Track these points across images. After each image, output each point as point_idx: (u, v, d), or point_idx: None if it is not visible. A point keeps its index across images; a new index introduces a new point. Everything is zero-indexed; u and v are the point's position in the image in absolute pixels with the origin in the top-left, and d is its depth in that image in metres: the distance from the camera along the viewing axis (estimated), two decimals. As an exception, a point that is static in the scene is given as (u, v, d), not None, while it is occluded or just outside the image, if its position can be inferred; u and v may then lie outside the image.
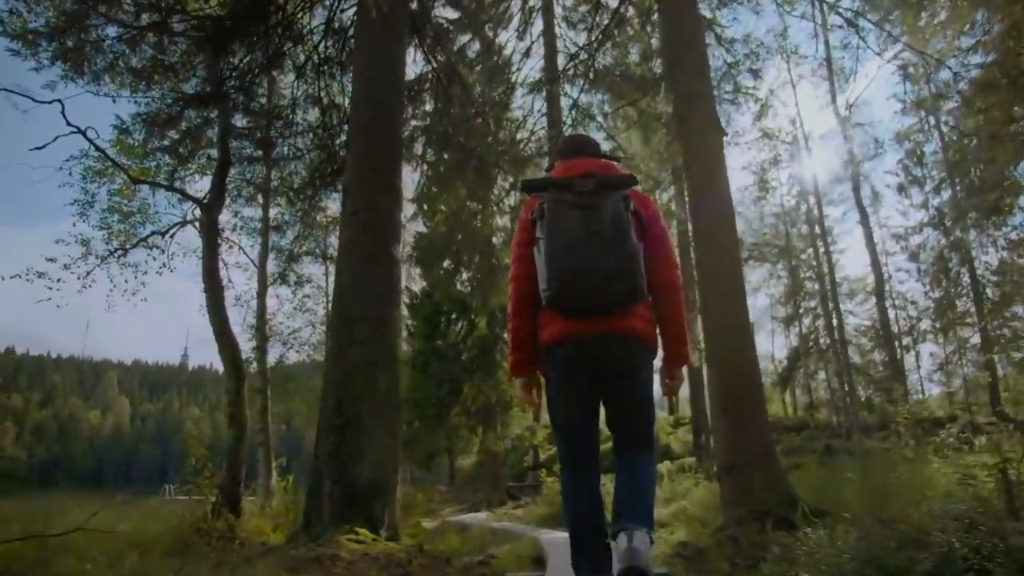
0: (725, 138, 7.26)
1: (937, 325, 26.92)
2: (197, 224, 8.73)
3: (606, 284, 2.06)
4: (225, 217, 11.01)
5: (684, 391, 32.19)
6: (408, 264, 12.65)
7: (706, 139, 6.72)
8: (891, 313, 28.27)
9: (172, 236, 9.43)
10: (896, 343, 28.44)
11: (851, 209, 27.86)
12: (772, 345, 39.03)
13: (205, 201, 7.92)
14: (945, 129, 23.92)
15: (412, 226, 15.07)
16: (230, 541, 6.00)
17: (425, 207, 12.98)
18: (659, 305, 2.26)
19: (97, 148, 7.73)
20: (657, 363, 2.39)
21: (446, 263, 22.68)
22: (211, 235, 7.70)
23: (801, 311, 30.58)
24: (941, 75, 21.73)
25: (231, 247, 13.20)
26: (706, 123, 6.82)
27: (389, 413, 5.34)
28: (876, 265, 20.85)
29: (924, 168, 25.32)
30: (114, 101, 8.34)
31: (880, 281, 23.34)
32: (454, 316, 22.68)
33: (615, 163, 2.52)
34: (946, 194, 24.12)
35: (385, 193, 5.94)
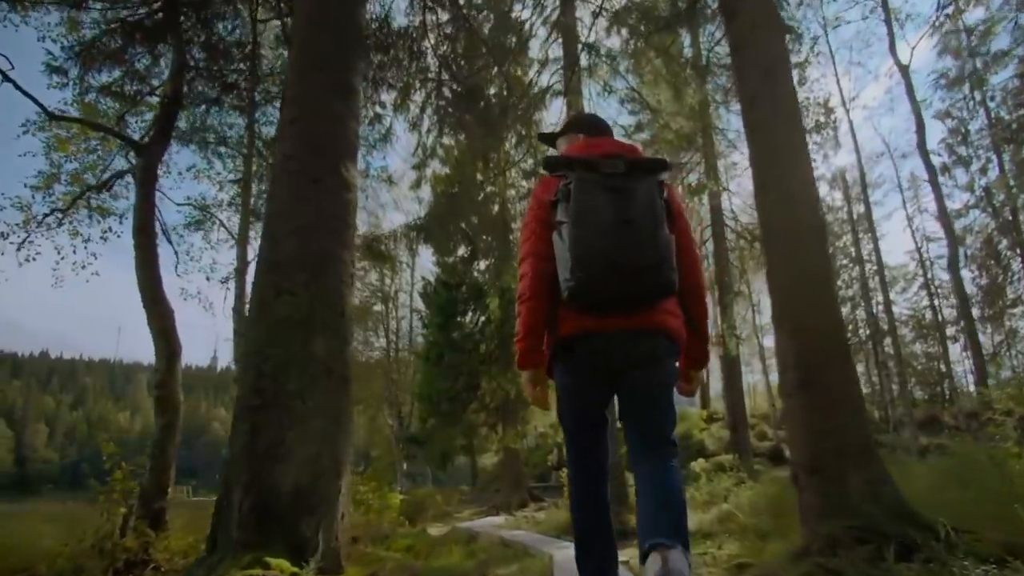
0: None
1: (985, 314, 25.46)
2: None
3: (638, 278, 1.88)
4: (203, 188, 9.70)
5: (717, 385, 30.75)
6: (411, 241, 11.11)
7: (763, 35, 5.12)
8: (934, 301, 26.55)
9: (110, 190, 7.95)
10: (938, 333, 27.00)
11: (892, 190, 26.43)
12: None
13: (144, 142, 6.47)
14: (992, 105, 22.54)
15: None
16: (138, 567, 4.51)
17: (427, 172, 11.47)
18: (685, 303, 2.10)
19: (5, 78, 6.32)
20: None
21: (461, 250, 21.60)
22: (146, 183, 6.25)
23: (839, 296, 29.12)
24: (988, 46, 20.64)
25: (214, 224, 11.84)
26: (763, 15, 5.22)
27: (331, 392, 3.76)
28: (945, 234, 18.89)
29: (969, 147, 23.95)
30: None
31: (921, 269, 21.47)
32: (471, 305, 21.22)
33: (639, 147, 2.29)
34: (993, 173, 22.87)
35: (337, 96, 4.36)
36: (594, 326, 1.93)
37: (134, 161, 7.35)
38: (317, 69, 4.41)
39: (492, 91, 10.53)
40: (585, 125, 2.36)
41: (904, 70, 14.88)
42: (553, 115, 11.20)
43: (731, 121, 14.00)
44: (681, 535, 1.80)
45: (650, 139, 14.82)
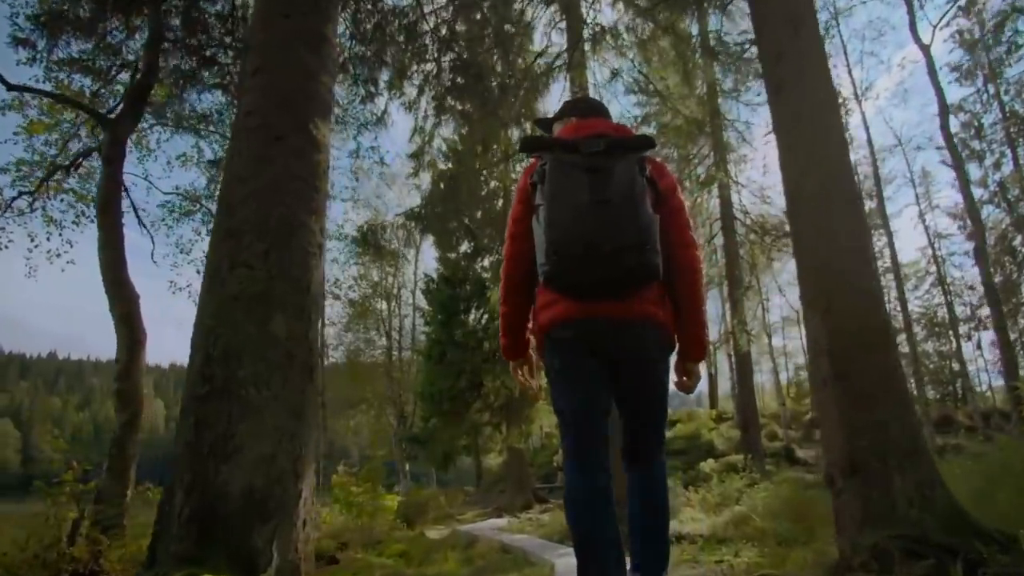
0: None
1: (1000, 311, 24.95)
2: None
3: (615, 259, 1.77)
4: (193, 177, 9.14)
5: (725, 384, 30.15)
6: (410, 232, 10.57)
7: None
8: (946, 299, 25.90)
9: (77, 169, 7.44)
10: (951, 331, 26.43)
11: (904, 184, 25.81)
12: None
13: (111, 116, 5.96)
14: (1006, 98, 22.01)
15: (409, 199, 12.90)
16: (87, 578, 3.99)
17: (425, 159, 10.92)
18: (677, 286, 1.97)
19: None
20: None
21: (464, 246, 21.09)
22: (112, 160, 5.75)
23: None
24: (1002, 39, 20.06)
25: (206, 215, 11.31)
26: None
27: (292, 380, 3.22)
28: (971, 222, 18.32)
29: (983, 141, 23.36)
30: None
31: (935, 265, 20.83)
32: (474, 302, 20.69)
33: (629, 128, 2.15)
34: (1007, 168, 22.32)
35: (306, 47, 3.82)
36: (578, 312, 1.86)
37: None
38: (284, 15, 3.89)
39: (493, 70, 10.02)
40: (578, 108, 2.28)
41: (926, 49, 14.26)
42: (555, 99, 10.68)
43: (740, 112, 13.48)
44: (664, 560, 1.93)
45: (658, 131, 14.27)
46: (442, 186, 10.68)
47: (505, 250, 2.03)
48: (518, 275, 1.99)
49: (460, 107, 10.37)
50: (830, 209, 4.02)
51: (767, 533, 6.95)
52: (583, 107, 2.28)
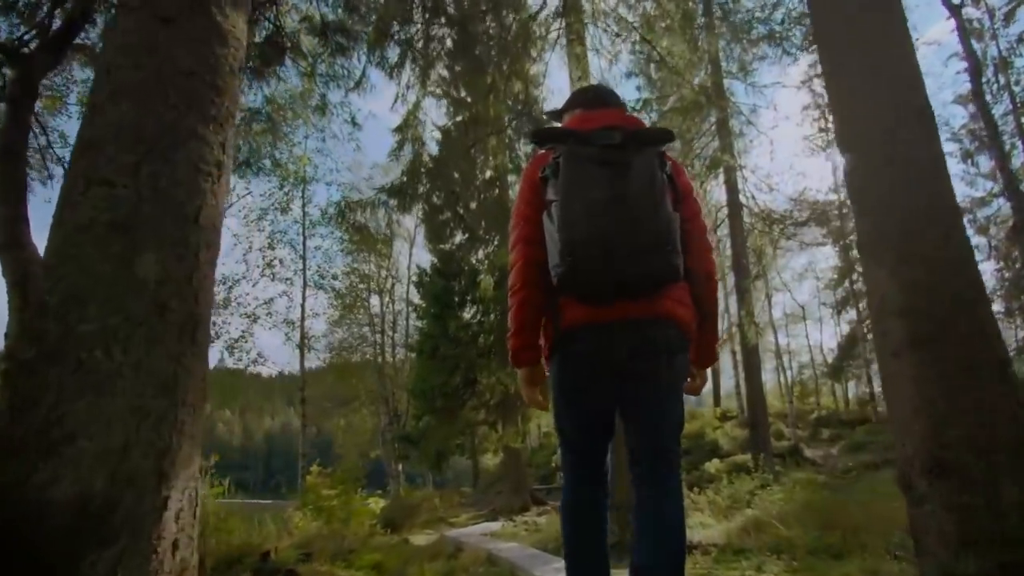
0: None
1: (1011, 307, 24.22)
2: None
3: (636, 260, 1.67)
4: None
5: (728, 382, 29.24)
6: (390, 211, 9.62)
7: None
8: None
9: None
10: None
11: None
12: (820, 334, 36.76)
13: (24, 51, 5.03)
14: (1017, 89, 21.26)
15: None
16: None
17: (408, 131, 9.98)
18: (694, 293, 1.87)
19: None
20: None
21: (458, 237, 20.17)
22: (17, 98, 4.81)
23: (856, 289, 27.70)
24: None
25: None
26: None
27: (164, 342, 2.27)
28: (1008, 196, 17.46)
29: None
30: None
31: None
32: (469, 296, 19.77)
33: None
34: (1018, 160, 21.63)
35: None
36: (595, 316, 1.73)
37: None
38: None
39: (485, 32, 9.11)
40: (586, 98, 2.11)
41: (956, 10, 13.29)
42: (550, 63, 9.71)
43: (747, 94, 12.57)
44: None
45: (659, 111, 13.34)
46: (426, 158, 9.72)
47: (519, 233, 1.84)
48: (535, 259, 1.79)
49: (447, 72, 9.48)
50: (894, 133, 3.08)
51: (793, 543, 6.05)
52: (591, 96, 2.11)
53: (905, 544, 4.10)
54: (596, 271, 1.66)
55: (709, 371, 2.21)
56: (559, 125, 2.14)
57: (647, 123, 1.96)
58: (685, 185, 1.93)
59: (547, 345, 1.86)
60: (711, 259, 1.93)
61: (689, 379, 2.00)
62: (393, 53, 9.19)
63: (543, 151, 1.93)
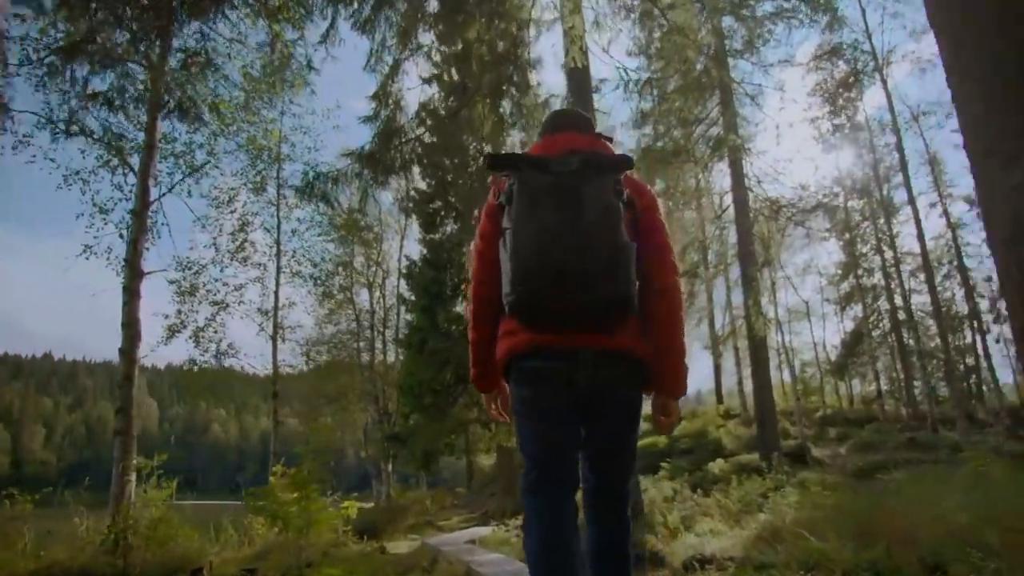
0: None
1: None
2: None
3: (586, 290, 1.63)
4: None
5: (730, 380, 28.28)
6: (364, 183, 8.64)
7: None
8: (963, 291, 24.13)
9: None
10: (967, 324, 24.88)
11: (921, 164, 24.10)
12: (824, 331, 35.82)
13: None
14: None
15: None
16: None
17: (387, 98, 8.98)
18: (652, 318, 1.81)
19: None
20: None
21: (449, 227, 19.26)
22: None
23: (862, 284, 26.88)
24: None
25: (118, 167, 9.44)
26: None
27: None
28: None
29: None
30: None
31: (956, 254, 18.99)
32: (460, 287, 18.81)
33: (608, 142, 1.98)
34: None
35: None
36: (546, 342, 1.72)
37: None
38: None
39: None
40: (555, 123, 2.05)
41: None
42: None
43: (753, 73, 11.64)
44: None
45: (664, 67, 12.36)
46: (399, 117, 8.73)
47: (473, 271, 1.89)
48: (490, 298, 1.84)
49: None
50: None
51: (827, 556, 5.04)
52: (558, 120, 2.07)
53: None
54: (545, 300, 1.65)
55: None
56: (512, 152, 2.04)
57: (608, 142, 1.88)
58: (648, 202, 1.89)
59: (498, 367, 1.87)
60: (675, 279, 1.85)
61: (663, 416, 1.92)
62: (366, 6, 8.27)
63: (499, 177, 1.90)
